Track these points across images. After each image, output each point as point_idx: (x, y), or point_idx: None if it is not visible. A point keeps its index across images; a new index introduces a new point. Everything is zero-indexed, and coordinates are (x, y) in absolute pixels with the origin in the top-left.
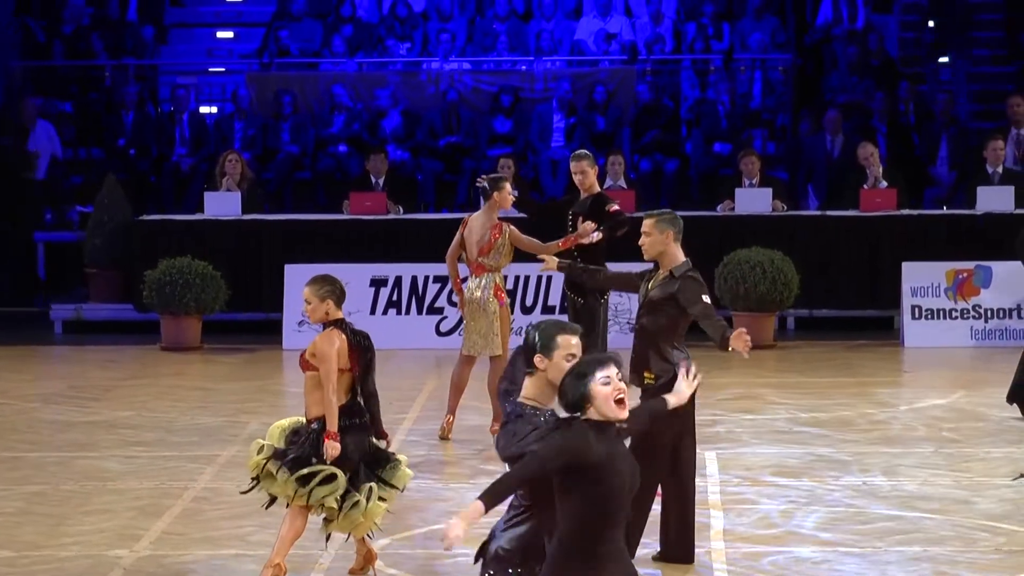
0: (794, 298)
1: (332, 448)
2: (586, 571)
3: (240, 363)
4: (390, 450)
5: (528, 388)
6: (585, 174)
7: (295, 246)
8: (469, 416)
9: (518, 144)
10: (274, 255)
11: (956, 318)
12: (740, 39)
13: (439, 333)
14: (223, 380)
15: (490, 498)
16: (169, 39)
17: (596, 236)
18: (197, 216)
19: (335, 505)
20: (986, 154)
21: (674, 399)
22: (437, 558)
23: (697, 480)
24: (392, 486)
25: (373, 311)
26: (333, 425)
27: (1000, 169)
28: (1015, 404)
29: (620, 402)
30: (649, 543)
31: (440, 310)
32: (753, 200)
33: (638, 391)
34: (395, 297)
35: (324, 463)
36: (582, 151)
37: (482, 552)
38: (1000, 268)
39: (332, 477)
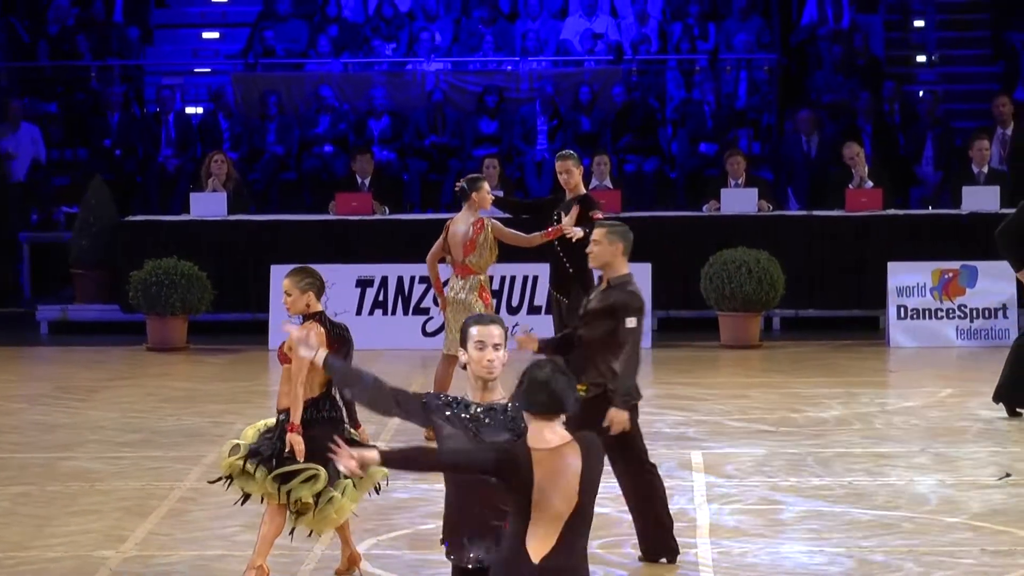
0: (780, 298)
1: (295, 442)
2: None
3: (226, 363)
4: (370, 443)
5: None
6: (570, 173)
7: (281, 247)
8: None
9: (503, 145)
10: (260, 255)
11: (942, 318)
12: (725, 39)
13: (425, 333)
14: (209, 380)
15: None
16: (155, 40)
17: (579, 232)
18: (183, 217)
19: (311, 500)
20: (972, 154)
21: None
22: (424, 560)
23: (681, 480)
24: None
25: (359, 311)
26: (296, 417)
27: (986, 169)
28: (1001, 403)
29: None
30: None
31: (426, 310)
32: (739, 200)
33: None
34: (381, 297)
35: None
36: (567, 151)
37: None
38: (986, 268)
39: (314, 476)
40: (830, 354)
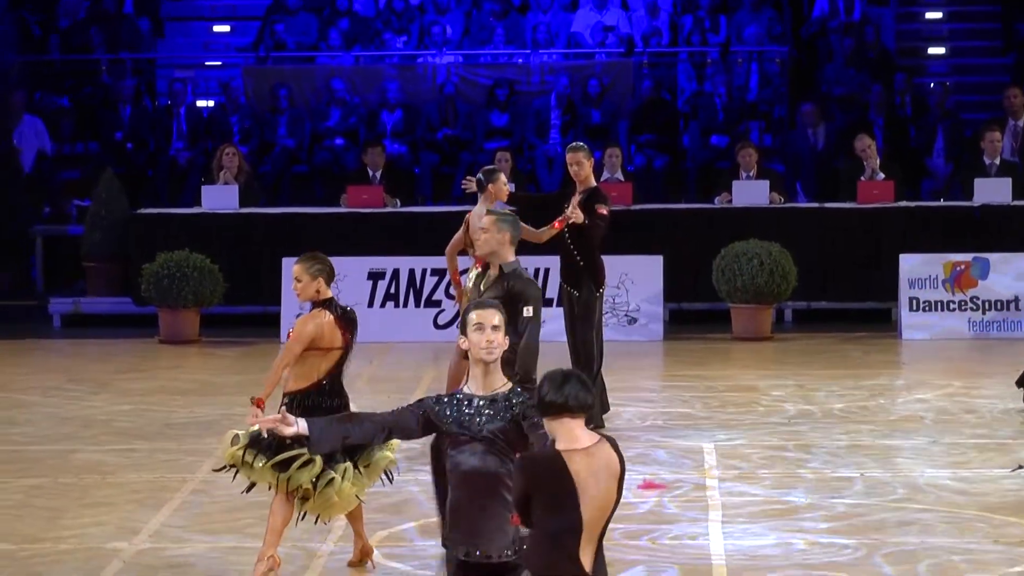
0: (792, 290)
1: (253, 413)
2: None
3: (238, 356)
4: None
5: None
6: (581, 165)
7: (292, 239)
8: None
9: (515, 137)
10: (272, 248)
11: (954, 310)
12: (736, 32)
13: (437, 326)
14: (221, 373)
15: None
16: (165, 32)
17: (580, 216)
18: (194, 209)
19: (309, 485)
20: (983, 145)
21: None
22: (435, 553)
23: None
24: (368, 476)
25: (371, 304)
26: (266, 393)
27: (997, 161)
28: (1023, 389)
29: None
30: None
31: (438, 303)
32: (750, 192)
33: None
34: (393, 290)
35: (300, 446)
36: (578, 143)
37: None
38: (997, 260)
39: (310, 461)
40: (842, 346)
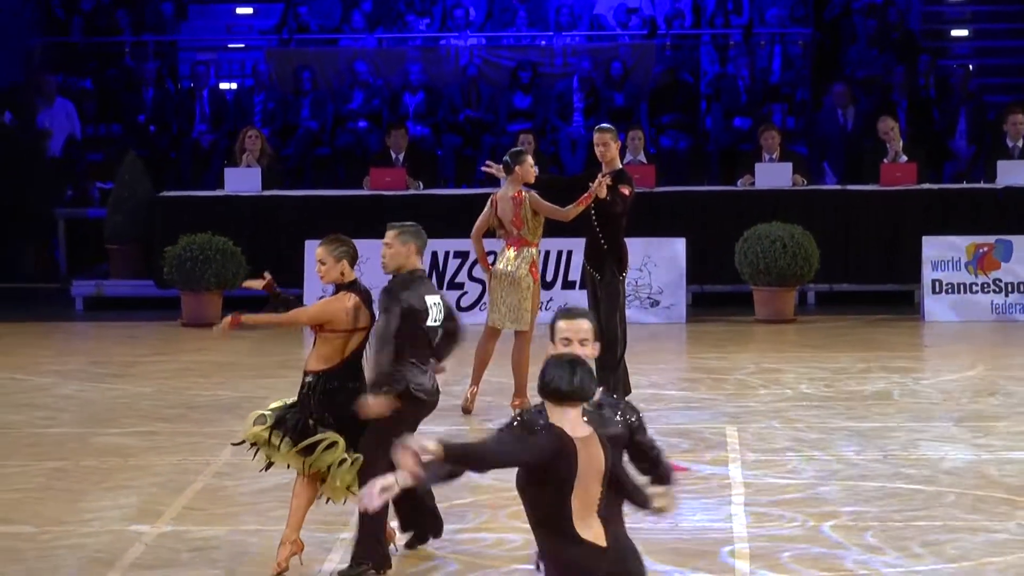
0: (814, 273)
1: (225, 322)
2: None
3: (260, 339)
4: None
5: None
6: (607, 147)
7: (315, 222)
8: (490, 391)
9: (537, 119)
10: (294, 231)
11: (976, 292)
12: (759, 13)
13: (459, 308)
14: (244, 356)
15: None
16: (188, 15)
17: (603, 191)
18: (217, 192)
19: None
20: (1006, 128)
21: None
22: (457, 533)
23: (716, 454)
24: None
25: None
26: (251, 319)
27: (1020, 143)
28: None
29: None
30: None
31: (461, 285)
32: (773, 175)
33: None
34: None
35: (323, 429)
36: (606, 125)
37: None
38: (1020, 242)
39: (333, 444)
40: (865, 328)
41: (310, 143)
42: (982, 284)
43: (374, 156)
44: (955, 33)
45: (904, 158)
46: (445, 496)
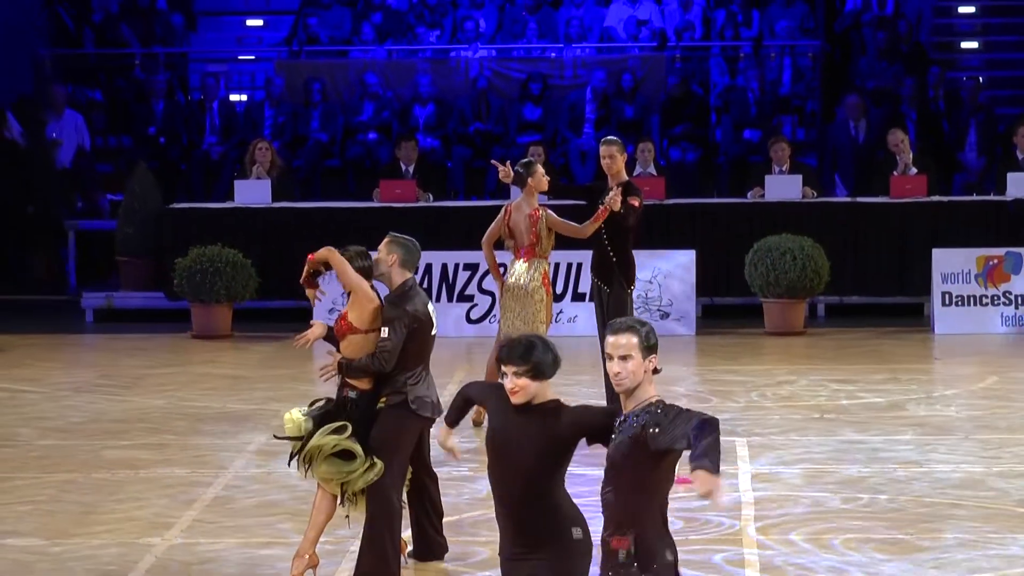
0: (824, 285)
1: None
2: None
3: (271, 351)
4: None
5: None
6: (613, 159)
7: (325, 234)
8: None
9: (547, 131)
10: (304, 243)
11: (987, 304)
12: (769, 26)
13: (469, 320)
14: (254, 368)
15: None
16: (198, 27)
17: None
18: (227, 204)
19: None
20: (1016, 140)
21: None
22: (469, 545)
23: (726, 467)
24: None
25: None
26: (323, 257)
27: None
28: None
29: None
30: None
31: (471, 297)
32: (783, 187)
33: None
34: (425, 285)
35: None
36: (612, 137)
37: None
38: None
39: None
40: (874, 341)
41: (320, 155)
42: (992, 296)
43: (384, 168)
44: (965, 45)
45: (914, 170)
46: (456, 509)
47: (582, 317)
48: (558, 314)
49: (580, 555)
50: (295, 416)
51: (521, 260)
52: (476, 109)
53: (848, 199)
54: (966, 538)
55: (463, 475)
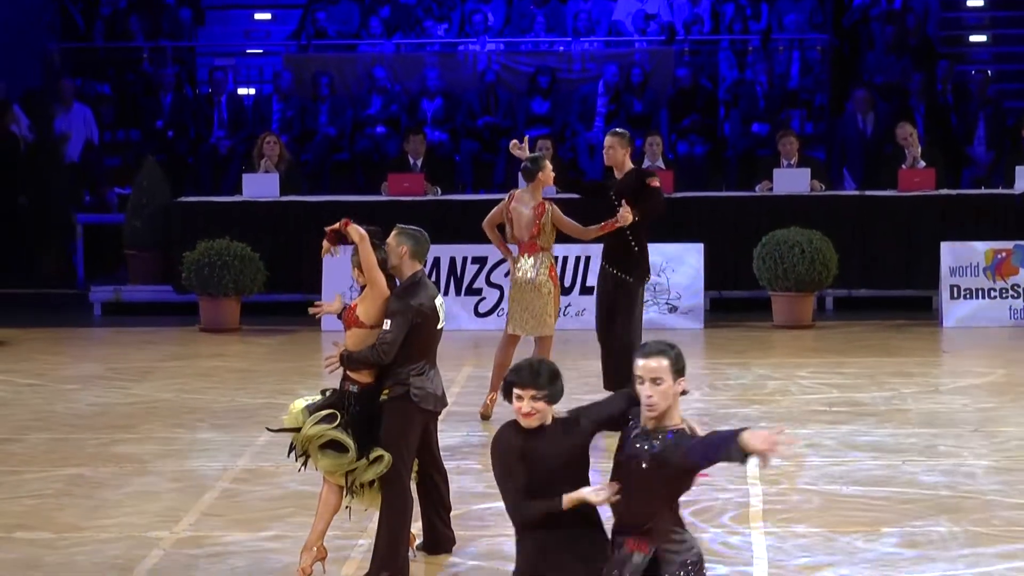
0: (832, 278)
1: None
2: None
3: (279, 344)
4: None
5: None
6: (613, 150)
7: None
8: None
9: (555, 125)
10: (312, 236)
11: (995, 297)
12: (778, 19)
13: (477, 314)
14: (262, 361)
15: None
16: (207, 21)
17: (628, 218)
18: (235, 198)
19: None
20: None
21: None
22: (477, 538)
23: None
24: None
25: None
26: (349, 226)
27: None
28: None
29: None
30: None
31: (479, 291)
32: (791, 180)
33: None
34: (433, 278)
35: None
36: (619, 129)
37: None
38: None
39: (379, 459)
40: (883, 334)
41: (328, 149)
42: (1000, 290)
43: (392, 162)
44: (973, 39)
45: (922, 164)
46: (463, 501)
47: (591, 310)
48: (566, 307)
49: None
50: (296, 406)
51: (526, 255)
52: (484, 103)
53: (856, 192)
54: (974, 531)
55: (471, 468)
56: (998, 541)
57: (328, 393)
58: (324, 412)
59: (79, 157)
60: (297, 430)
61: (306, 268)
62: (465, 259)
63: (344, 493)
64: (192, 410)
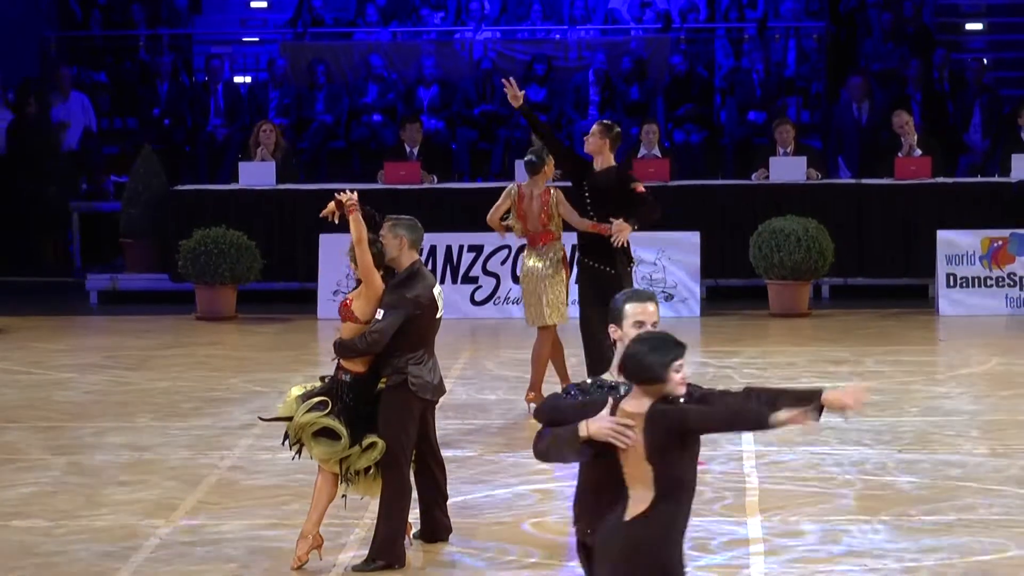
0: (829, 266)
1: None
2: None
3: (275, 333)
4: None
5: (615, 363)
6: (593, 136)
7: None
8: (499, 387)
9: (552, 113)
10: (308, 225)
11: (991, 286)
12: (774, 7)
13: (474, 302)
14: (258, 350)
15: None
16: (203, 9)
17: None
18: (232, 186)
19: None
20: (1021, 121)
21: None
22: (473, 526)
23: (731, 447)
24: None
25: None
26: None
27: None
28: None
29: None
30: None
31: (475, 279)
32: (787, 169)
33: None
34: (429, 266)
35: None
36: (606, 120)
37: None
38: None
39: (373, 445)
40: (879, 322)
41: (324, 137)
42: (996, 278)
43: (388, 150)
44: (970, 27)
45: (919, 152)
46: (461, 490)
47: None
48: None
49: None
50: (291, 395)
51: (540, 244)
52: (480, 91)
53: (853, 181)
54: (970, 519)
55: (468, 456)
56: (996, 527)
57: (324, 381)
58: (315, 399)
59: (77, 145)
60: (290, 419)
61: (302, 256)
62: (461, 247)
63: (339, 481)
64: (188, 398)
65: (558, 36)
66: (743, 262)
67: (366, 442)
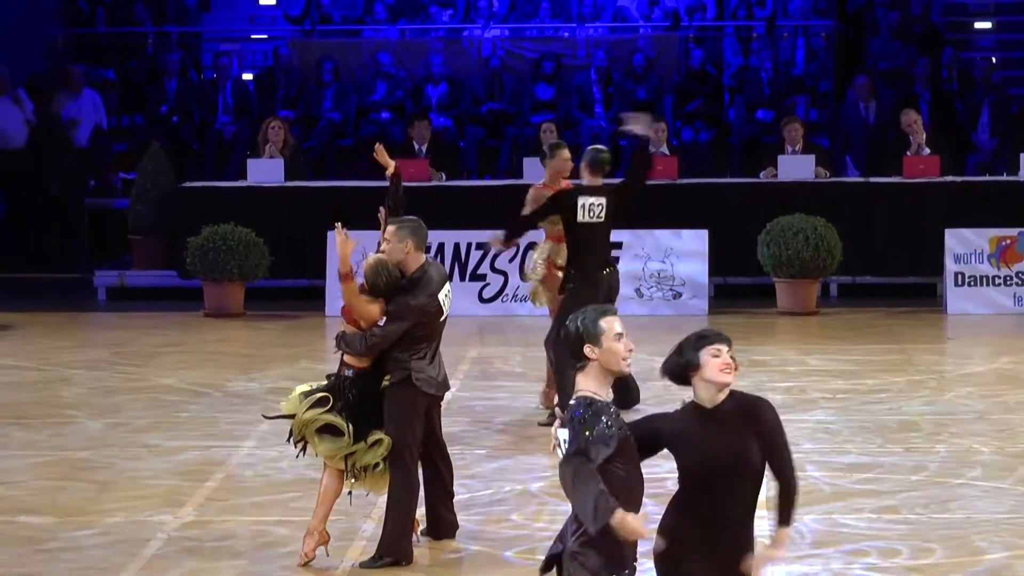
0: (837, 265)
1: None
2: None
3: (283, 330)
4: None
5: (583, 382)
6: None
7: (337, 213)
8: (506, 384)
9: (560, 111)
10: (317, 222)
11: (999, 285)
12: (782, 5)
13: (482, 300)
14: (266, 346)
15: None
16: (211, 6)
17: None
18: (240, 183)
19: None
20: None
21: None
22: (481, 524)
23: None
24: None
25: None
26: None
27: None
28: None
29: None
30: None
31: (483, 276)
32: (796, 167)
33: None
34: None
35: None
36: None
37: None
38: None
39: (378, 442)
40: (887, 321)
41: (333, 134)
42: (1004, 277)
43: (397, 147)
44: (978, 25)
45: (927, 150)
46: (468, 488)
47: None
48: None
49: None
50: (296, 392)
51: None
52: (489, 88)
53: (861, 179)
54: (979, 518)
55: (476, 455)
56: (1005, 527)
57: (330, 379)
58: (317, 396)
59: (88, 142)
60: (294, 416)
61: (310, 253)
62: (469, 245)
63: (345, 477)
64: (196, 395)
65: (566, 34)
66: (751, 260)
67: (372, 438)
